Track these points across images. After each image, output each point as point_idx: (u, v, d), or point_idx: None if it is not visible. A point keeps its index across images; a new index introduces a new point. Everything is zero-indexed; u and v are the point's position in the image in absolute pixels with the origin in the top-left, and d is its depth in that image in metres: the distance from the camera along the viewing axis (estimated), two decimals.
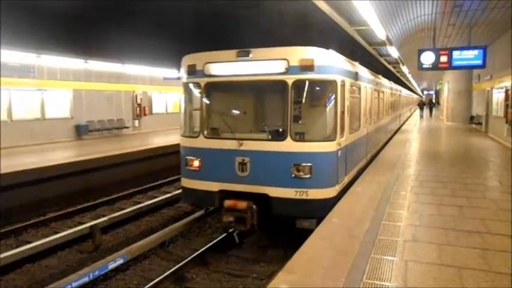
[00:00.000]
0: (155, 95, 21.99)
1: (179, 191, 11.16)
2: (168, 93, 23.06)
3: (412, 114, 41.61)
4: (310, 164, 6.42)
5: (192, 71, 7.19)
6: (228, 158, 6.76)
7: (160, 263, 7.10)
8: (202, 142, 7.10)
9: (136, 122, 20.52)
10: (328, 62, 6.73)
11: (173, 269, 6.51)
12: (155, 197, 10.84)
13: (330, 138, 6.74)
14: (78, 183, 11.19)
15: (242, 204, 6.57)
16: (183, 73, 7.43)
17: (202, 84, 7.14)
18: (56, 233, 8.02)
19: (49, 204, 10.19)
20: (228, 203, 6.68)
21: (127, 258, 6.59)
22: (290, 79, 6.55)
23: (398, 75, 32.78)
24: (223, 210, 6.73)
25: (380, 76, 14.00)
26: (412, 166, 10.10)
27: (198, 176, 7.10)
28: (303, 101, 6.92)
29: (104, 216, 9.04)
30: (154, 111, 21.93)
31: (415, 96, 60.13)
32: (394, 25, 13.32)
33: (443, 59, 11.86)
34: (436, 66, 12.09)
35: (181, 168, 7.46)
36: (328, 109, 6.87)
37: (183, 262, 6.74)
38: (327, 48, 6.87)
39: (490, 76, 17.40)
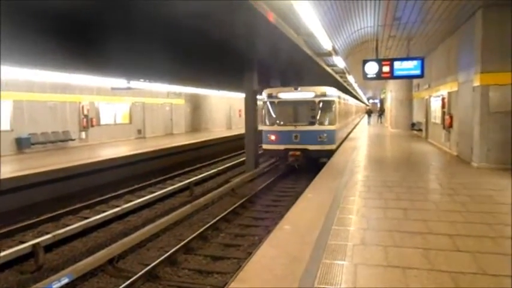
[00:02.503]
0: (103, 105, 21.25)
1: (129, 204, 10.94)
2: (117, 103, 22.40)
3: (360, 121, 43.23)
4: (326, 135, 14.37)
5: (270, 96, 15.17)
6: (289, 134, 14.56)
7: (109, 280, 6.80)
8: (276, 127, 14.96)
9: (83, 133, 19.67)
10: (332, 92, 14.98)
11: (123, 285, 6.26)
12: (104, 212, 10.42)
13: (333, 124, 14.80)
14: (18, 199, 10.53)
15: (297, 153, 14.39)
16: (264, 96, 15.34)
17: (276, 102, 15.10)
18: None
19: None
20: (291, 153, 14.43)
21: (73, 277, 6.25)
22: (316, 99, 14.65)
23: (345, 84, 33.96)
24: (289, 156, 14.49)
25: (342, 93, 19.99)
26: (360, 172, 10.48)
27: (273, 143, 14.92)
28: (321, 108, 14.61)
29: (48, 233, 8.55)
30: (102, 122, 21.17)
31: (363, 104, 62.88)
32: (339, 36, 13.87)
33: (386, 69, 12.38)
34: (379, 76, 12.60)
35: (263, 140, 15.23)
36: (332, 112, 14.82)
37: (133, 278, 6.51)
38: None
39: (428, 85, 18.51)
